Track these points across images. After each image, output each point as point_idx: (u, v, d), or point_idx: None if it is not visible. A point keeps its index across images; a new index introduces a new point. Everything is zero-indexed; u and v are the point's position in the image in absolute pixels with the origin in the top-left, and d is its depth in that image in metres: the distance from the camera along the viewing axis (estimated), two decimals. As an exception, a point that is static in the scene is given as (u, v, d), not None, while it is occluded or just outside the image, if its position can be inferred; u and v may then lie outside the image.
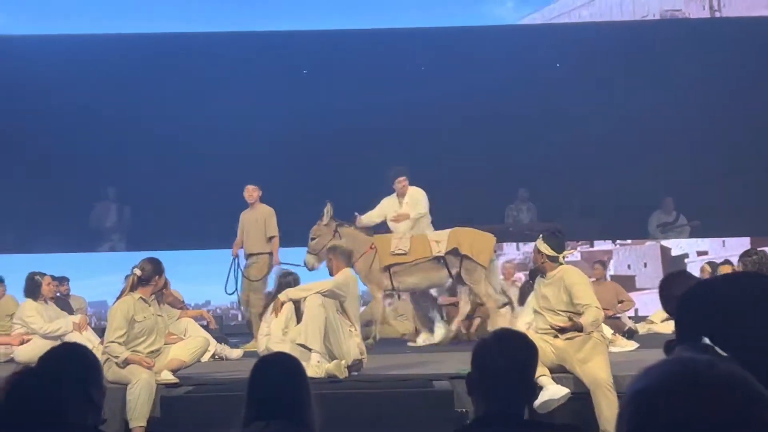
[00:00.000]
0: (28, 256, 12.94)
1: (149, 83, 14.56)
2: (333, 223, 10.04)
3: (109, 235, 14.88)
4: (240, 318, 13.62)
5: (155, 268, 7.31)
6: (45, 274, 9.92)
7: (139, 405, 6.58)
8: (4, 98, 14.08)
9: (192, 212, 14.10)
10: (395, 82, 14.75)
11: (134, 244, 14.15)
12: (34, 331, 9.33)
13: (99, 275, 13.24)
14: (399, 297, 11.47)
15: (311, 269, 9.97)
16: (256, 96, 14.43)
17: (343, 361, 7.09)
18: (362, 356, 7.39)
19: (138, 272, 7.19)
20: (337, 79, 14.79)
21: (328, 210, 10.01)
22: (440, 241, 9.97)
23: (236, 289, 10.49)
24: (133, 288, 7.14)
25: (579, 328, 6.44)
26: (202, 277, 13.02)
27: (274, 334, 7.83)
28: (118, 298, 7.19)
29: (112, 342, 6.82)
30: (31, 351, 9.22)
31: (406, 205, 10.47)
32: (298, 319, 7.55)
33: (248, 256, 10.72)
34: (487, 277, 9.86)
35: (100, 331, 10.24)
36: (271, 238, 10.55)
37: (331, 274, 7.66)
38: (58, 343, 8.73)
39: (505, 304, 9.95)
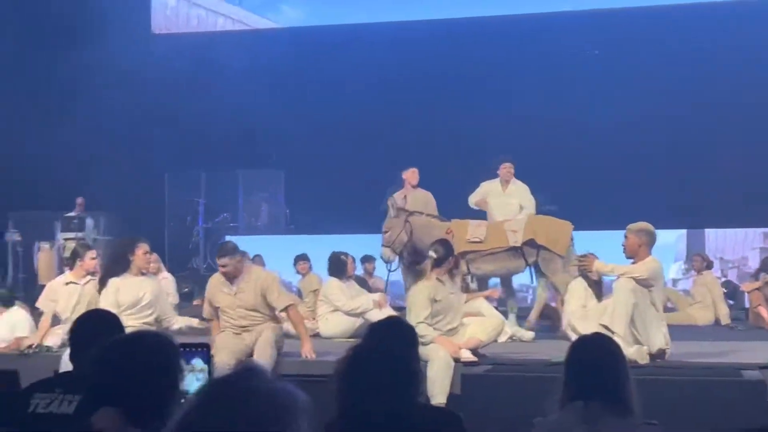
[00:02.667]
0: (328, 237, 13.61)
1: (444, 68, 14.88)
2: (403, 214, 10.18)
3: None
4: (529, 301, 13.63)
5: (447, 249, 7.55)
6: (348, 254, 10.45)
7: (438, 382, 6.80)
8: (310, 88, 14.89)
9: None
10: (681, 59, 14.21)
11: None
12: (338, 308, 9.84)
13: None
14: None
15: (387, 262, 10.23)
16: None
17: (645, 347, 6.96)
18: (667, 346, 7.20)
19: (433, 254, 7.46)
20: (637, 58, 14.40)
21: (392, 204, 10.24)
22: (517, 231, 9.81)
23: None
24: (431, 269, 7.42)
25: None
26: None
27: (574, 311, 7.81)
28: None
29: (421, 323, 7.07)
30: (334, 326, 9.80)
31: (509, 194, 10.59)
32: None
33: None
34: (564, 266, 9.53)
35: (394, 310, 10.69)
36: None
37: (629, 257, 7.46)
38: (360, 320, 9.24)
39: None
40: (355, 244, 12.16)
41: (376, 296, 10.18)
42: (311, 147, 14.78)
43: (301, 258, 11.57)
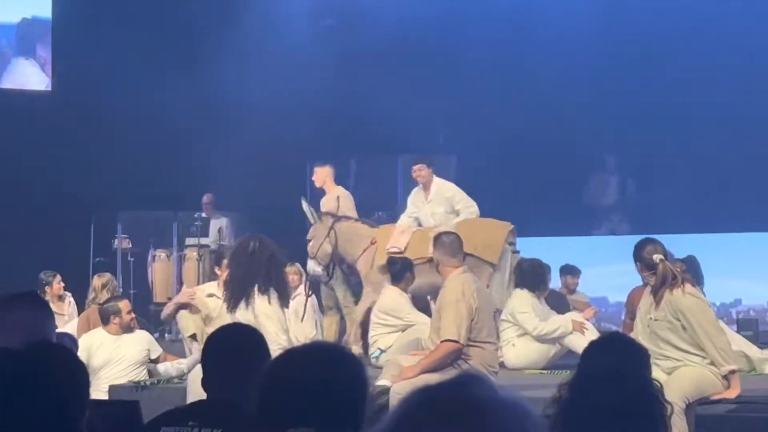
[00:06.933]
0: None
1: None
2: (329, 220, 10.80)
3: (609, 215, 15.16)
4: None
5: None
6: (543, 263, 10.40)
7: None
8: (491, 61, 14.94)
9: (708, 186, 13.94)
10: None
11: (639, 225, 14.25)
12: (526, 331, 9.77)
13: (596, 264, 13.52)
14: None
15: (312, 274, 10.78)
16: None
17: None
18: None
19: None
20: None
21: (305, 209, 10.96)
22: None
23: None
24: None
25: None
26: (725, 267, 12.75)
27: None
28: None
29: None
30: (524, 355, 9.75)
31: (433, 202, 11.01)
32: None
33: None
34: (494, 276, 10.03)
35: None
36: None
37: None
38: (555, 347, 9.19)
39: None
40: (545, 249, 12.08)
41: (578, 316, 10.08)
42: (490, 126, 14.72)
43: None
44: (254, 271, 7.46)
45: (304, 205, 11.08)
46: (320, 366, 2.49)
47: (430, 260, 10.10)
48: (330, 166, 11.78)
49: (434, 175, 11.17)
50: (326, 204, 11.35)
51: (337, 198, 11.30)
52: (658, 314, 6.88)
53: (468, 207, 10.95)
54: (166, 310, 8.98)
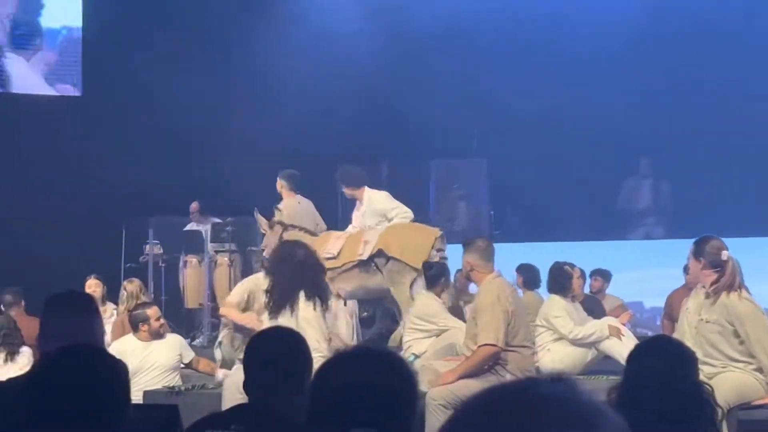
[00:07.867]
0: (545, 245, 13.54)
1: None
2: (279, 229, 10.94)
3: (643, 219, 15.09)
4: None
5: None
6: (575, 266, 10.35)
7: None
8: (526, 60, 14.94)
9: (745, 188, 13.87)
10: None
11: (675, 229, 14.18)
12: (561, 335, 9.73)
13: (630, 269, 13.51)
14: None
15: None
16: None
17: None
18: None
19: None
20: None
21: (258, 218, 11.24)
22: (369, 241, 10.50)
23: None
24: None
25: None
26: (763, 272, 12.70)
27: None
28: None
29: None
30: (559, 360, 9.67)
31: (366, 215, 11.15)
32: None
33: None
34: (416, 281, 10.04)
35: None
36: None
37: None
38: (591, 351, 9.12)
39: None
40: (575, 253, 12.03)
41: (614, 321, 10.02)
42: (522, 130, 14.70)
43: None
44: (303, 278, 7.52)
45: (257, 215, 11.24)
46: (371, 370, 2.51)
47: (358, 264, 10.57)
48: (281, 179, 11.87)
49: (366, 188, 11.30)
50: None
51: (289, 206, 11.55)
52: (711, 316, 6.77)
53: (402, 214, 11.08)
54: (232, 315, 8.87)
